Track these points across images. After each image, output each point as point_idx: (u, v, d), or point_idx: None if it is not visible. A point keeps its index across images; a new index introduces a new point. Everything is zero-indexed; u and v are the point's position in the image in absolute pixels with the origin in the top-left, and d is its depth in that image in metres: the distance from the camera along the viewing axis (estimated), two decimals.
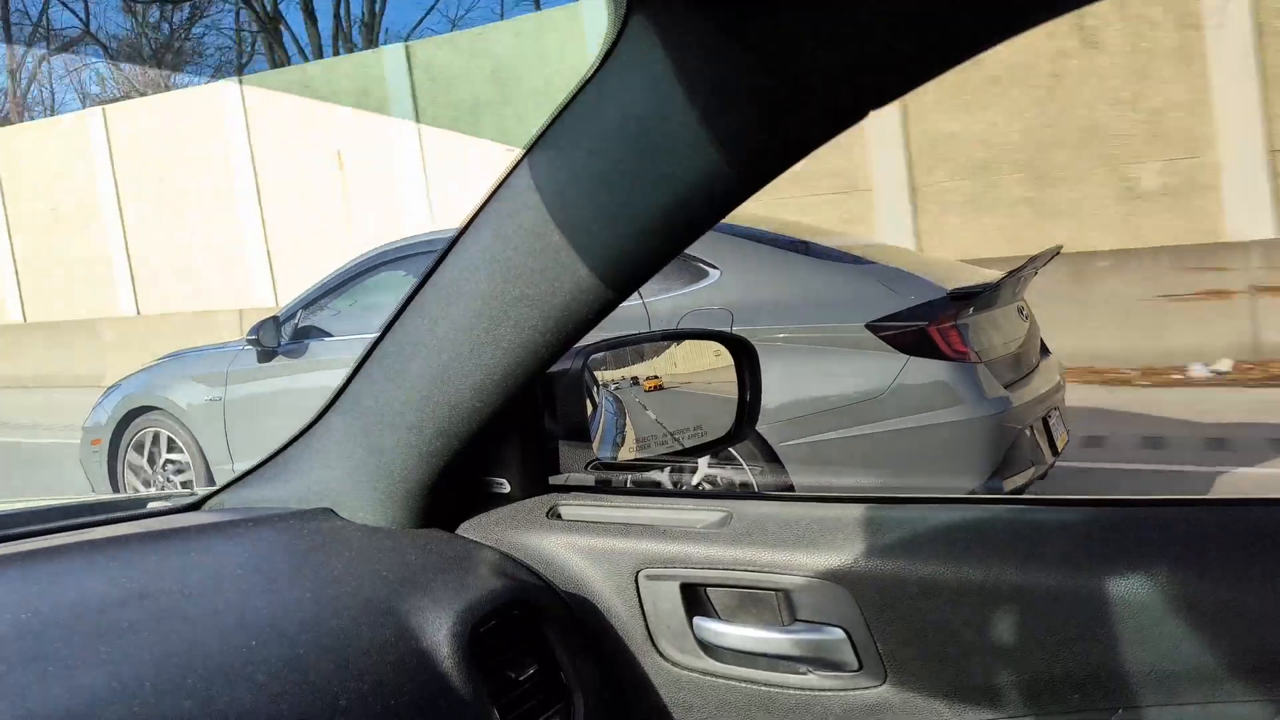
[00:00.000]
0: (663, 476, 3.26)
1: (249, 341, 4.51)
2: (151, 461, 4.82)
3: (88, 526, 0.94)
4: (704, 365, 1.15)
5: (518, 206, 0.81)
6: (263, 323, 4.47)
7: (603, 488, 1.06)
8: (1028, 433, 3.44)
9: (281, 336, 4.43)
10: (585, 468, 1.05)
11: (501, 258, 0.83)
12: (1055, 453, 3.61)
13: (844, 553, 0.86)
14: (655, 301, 3.61)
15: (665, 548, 0.93)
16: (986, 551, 0.82)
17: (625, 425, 1.09)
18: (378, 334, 0.96)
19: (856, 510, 0.90)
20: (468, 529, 1.00)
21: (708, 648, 0.91)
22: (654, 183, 0.74)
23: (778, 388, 3.34)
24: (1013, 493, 3.27)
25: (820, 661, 0.87)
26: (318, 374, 4.24)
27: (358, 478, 0.97)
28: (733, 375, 1.11)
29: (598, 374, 1.10)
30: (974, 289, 3.39)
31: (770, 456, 3.38)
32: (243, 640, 0.72)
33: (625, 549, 0.94)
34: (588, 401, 1.03)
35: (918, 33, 0.63)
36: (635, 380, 1.13)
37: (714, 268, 3.61)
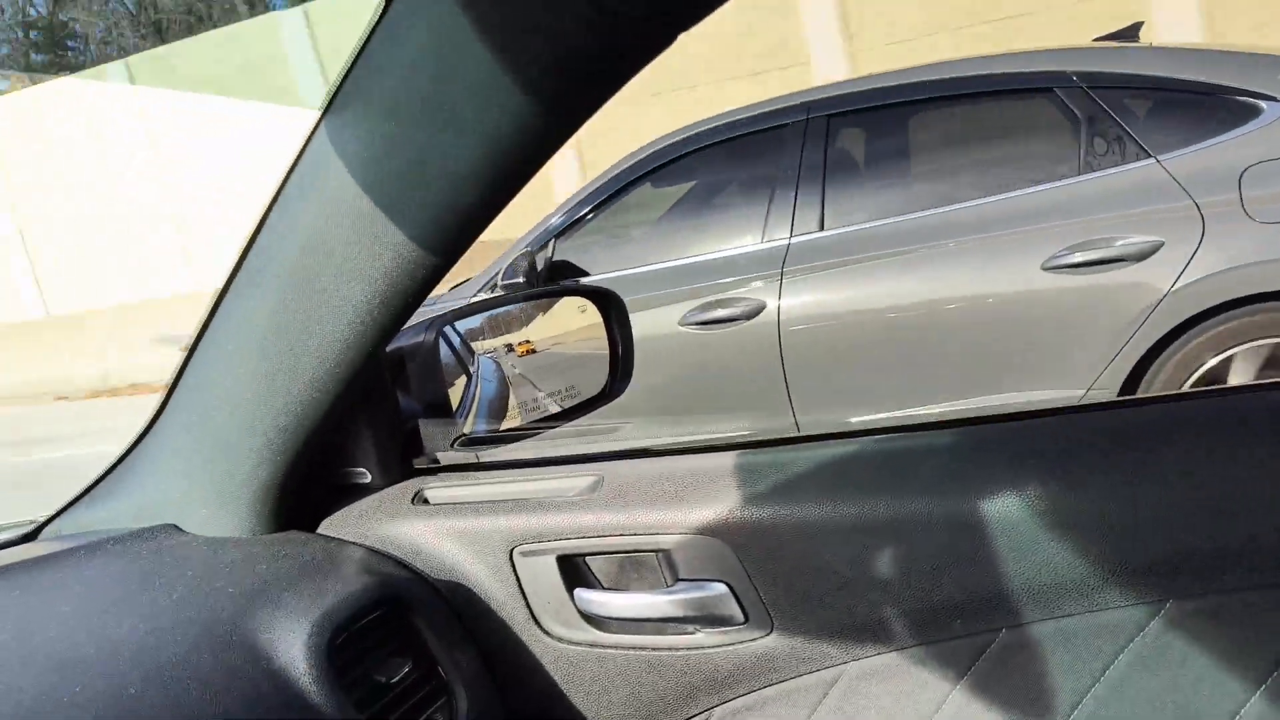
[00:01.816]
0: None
1: (503, 287, 3.24)
2: None
3: None
4: (574, 323, 1.08)
5: (320, 175, 0.74)
6: (514, 261, 3.28)
7: (470, 465, 1.00)
8: None
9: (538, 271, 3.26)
10: (452, 445, 0.97)
11: (310, 234, 0.76)
12: None
13: (718, 504, 0.83)
14: (1179, 158, 2.43)
15: (537, 521, 0.88)
16: (857, 487, 0.81)
17: (492, 395, 1.01)
18: (201, 323, 0.86)
19: (728, 459, 0.87)
20: (329, 526, 0.94)
21: (592, 619, 0.88)
22: (456, 136, 0.67)
23: None
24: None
25: (706, 618, 0.85)
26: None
27: (199, 486, 0.89)
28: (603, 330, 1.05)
29: (473, 344, 1.02)
30: None
31: None
32: (66, 684, 0.66)
33: (496, 527, 0.89)
34: (455, 373, 0.95)
35: None
36: (510, 348, 1.06)
37: (1271, 98, 2.40)
